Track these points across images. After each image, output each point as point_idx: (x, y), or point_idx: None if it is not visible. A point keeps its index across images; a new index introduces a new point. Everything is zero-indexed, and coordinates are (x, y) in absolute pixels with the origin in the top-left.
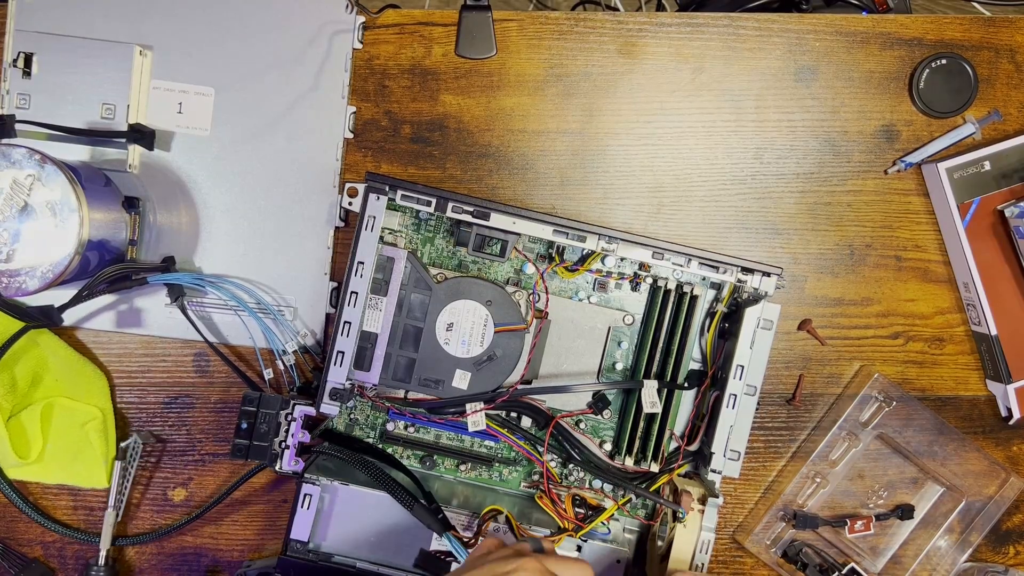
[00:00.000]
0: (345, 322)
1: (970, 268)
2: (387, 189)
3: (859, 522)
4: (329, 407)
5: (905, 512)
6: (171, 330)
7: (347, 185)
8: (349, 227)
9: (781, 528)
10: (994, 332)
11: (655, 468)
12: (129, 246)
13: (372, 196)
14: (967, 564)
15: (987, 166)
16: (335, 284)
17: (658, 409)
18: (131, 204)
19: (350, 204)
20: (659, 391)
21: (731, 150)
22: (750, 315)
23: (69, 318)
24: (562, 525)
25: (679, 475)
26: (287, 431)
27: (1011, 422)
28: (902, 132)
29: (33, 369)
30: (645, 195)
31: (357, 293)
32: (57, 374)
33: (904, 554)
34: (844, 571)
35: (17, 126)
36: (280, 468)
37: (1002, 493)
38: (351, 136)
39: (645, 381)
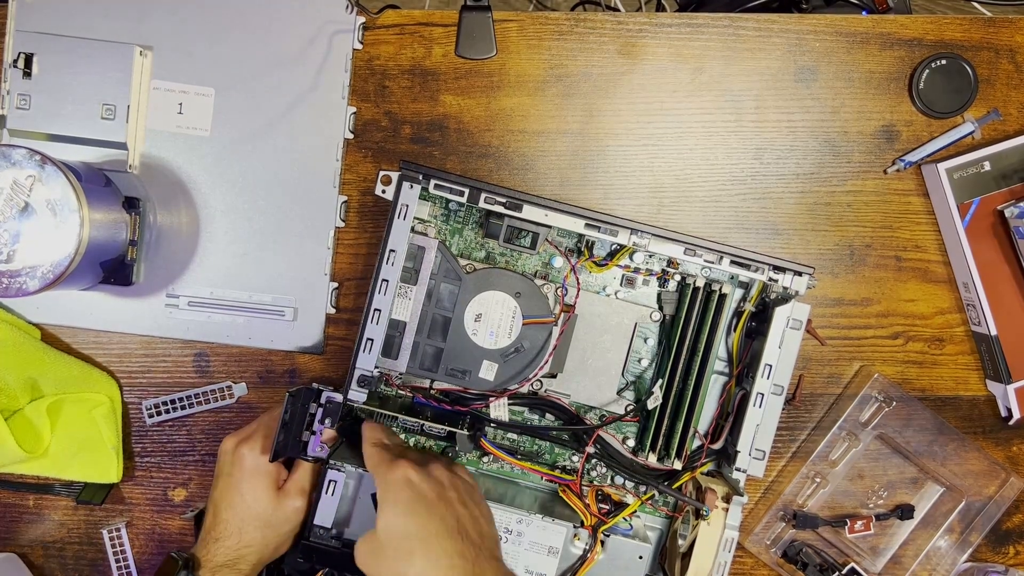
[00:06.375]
0: (375, 310)
1: (970, 268)
2: (421, 178)
3: (859, 522)
4: (357, 394)
5: (905, 512)
6: (171, 330)
7: (381, 173)
8: (349, 227)
9: (781, 528)
10: (994, 332)
11: (678, 465)
12: (129, 246)
13: (406, 184)
14: (967, 564)
15: (987, 166)
16: (335, 284)
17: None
18: (131, 204)
19: (383, 192)
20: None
21: (731, 150)
22: (780, 314)
23: (68, 317)
24: (585, 520)
25: (702, 473)
26: (313, 418)
27: (1011, 422)
28: (902, 132)
29: (31, 376)
30: (645, 195)
31: (388, 281)
32: (64, 385)
33: (904, 554)
34: (844, 571)
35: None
36: (306, 455)
37: (1002, 493)
38: (351, 136)
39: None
